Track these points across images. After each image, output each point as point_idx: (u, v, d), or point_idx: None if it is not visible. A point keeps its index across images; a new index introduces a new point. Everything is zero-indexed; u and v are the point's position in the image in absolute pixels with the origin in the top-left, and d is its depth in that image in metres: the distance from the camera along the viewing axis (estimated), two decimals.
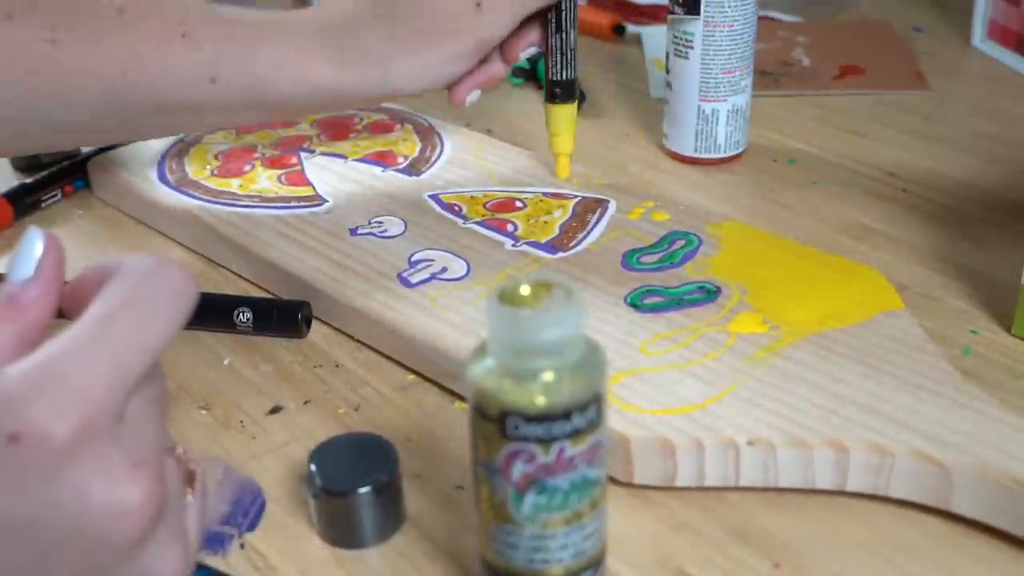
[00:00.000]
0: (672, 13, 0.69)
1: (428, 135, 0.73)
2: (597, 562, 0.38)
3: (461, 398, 0.51)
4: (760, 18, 0.71)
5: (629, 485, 0.45)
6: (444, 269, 0.57)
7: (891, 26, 0.95)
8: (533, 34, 0.59)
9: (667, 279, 0.56)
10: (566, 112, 0.64)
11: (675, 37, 0.70)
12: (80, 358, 0.30)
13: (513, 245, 0.59)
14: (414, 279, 0.56)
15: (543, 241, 0.60)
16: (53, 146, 0.64)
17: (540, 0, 0.57)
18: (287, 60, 0.53)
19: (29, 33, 0.50)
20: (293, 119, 0.75)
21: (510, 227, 0.61)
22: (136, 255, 0.34)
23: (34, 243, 0.33)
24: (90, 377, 0.30)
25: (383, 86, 0.54)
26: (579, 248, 0.59)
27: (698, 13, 0.68)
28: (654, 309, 0.53)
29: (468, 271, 0.57)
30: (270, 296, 0.59)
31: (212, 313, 0.56)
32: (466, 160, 0.69)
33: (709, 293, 0.54)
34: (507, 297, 0.36)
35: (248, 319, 0.55)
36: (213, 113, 0.55)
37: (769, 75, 0.85)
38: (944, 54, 0.90)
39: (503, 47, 0.59)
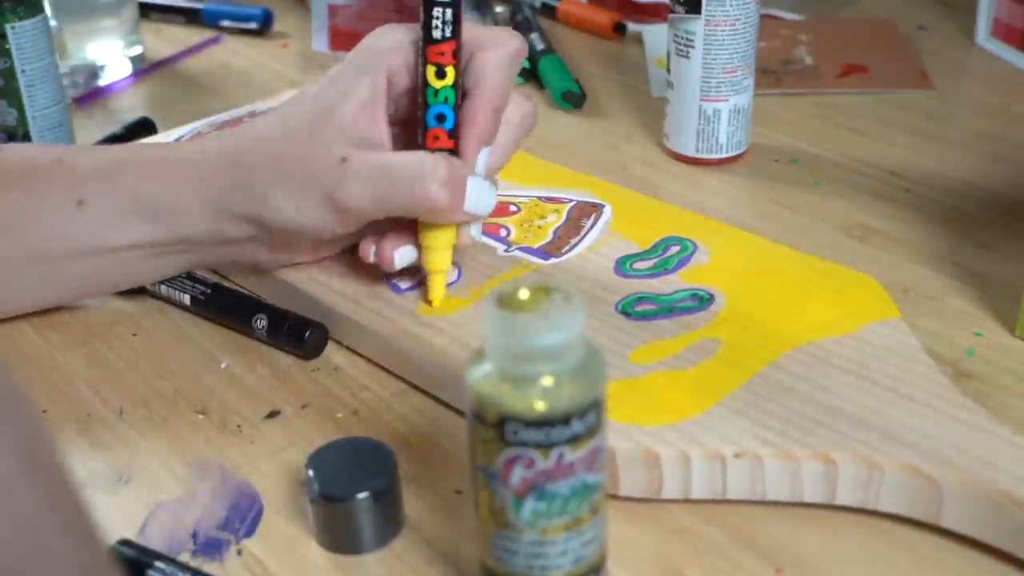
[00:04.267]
0: (673, 12, 0.69)
1: None
2: (597, 568, 0.38)
3: (449, 407, 0.50)
4: (762, 16, 0.71)
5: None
6: None
7: (894, 24, 0.94)
8: (407, 243, 0.53)
9: (660, 286, 0.55)
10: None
11: (676, 36, 0.69)
12: None
13: (505, 250, 0.58)
14: (404, 285, 0.55)
15: (536, 246, 0.59)
16: None
17: (398, 203, 0.50)
18: (156, 176, 0.52)
19: None
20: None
21: (503, 232, 0.60)
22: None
23: None
24: None
25: (265, 215, 0.51)
26: (572, 254, 0.58)
27: (699, 12, 0.67)
28: (645, 316, 0.52)
29: (458, 277, 0.56)
30: (286, 309, 0.56)
31: (232, 312, 0.56)
32: None
33: (702, 301, 0.53)
34: (506, 301, 0.35)
35: (263, 326, 0.54)
36: (92, 255, 0.52)
37: (771, 74, 0.85)
38: (948, 53, 0.89)
39: (378, 247, 0.53)
